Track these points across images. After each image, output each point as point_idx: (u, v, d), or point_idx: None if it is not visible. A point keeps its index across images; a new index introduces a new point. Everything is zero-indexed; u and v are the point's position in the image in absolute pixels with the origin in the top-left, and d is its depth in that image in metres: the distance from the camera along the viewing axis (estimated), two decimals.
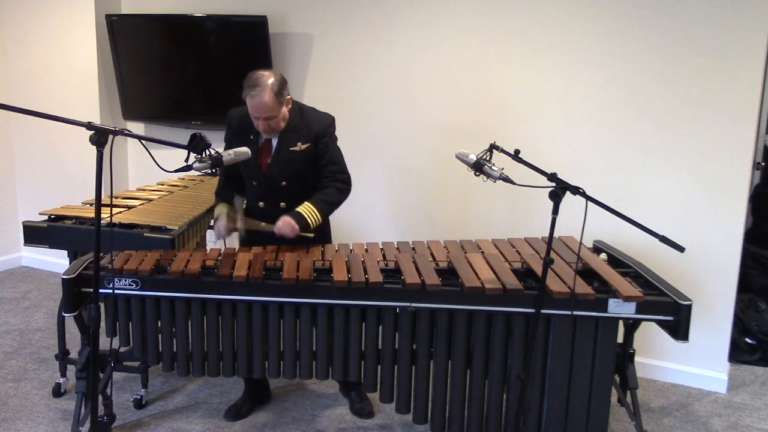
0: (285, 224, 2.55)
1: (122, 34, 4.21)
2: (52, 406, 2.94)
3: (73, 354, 3.03)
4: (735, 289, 3.23)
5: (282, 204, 2.70)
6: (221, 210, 2.73)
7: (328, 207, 2.67)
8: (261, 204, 2.73)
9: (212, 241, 4.27)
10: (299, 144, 2.65)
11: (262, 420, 2.88)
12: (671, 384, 3.37)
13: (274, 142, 2.67)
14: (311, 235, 2.60)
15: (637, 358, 2.69)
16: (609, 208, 2.09)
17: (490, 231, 3.42)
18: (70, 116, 2.02)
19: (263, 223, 2.65)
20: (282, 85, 2.52)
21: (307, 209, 2.61)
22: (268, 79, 2.48)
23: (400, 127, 3.79)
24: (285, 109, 2.59)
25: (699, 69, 3.10)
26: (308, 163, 2.69)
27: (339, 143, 2.77)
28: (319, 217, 2.62)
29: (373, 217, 3.91)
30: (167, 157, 2.17)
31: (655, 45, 3.16)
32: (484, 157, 2.23)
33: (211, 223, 3.42)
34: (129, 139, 4.34)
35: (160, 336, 2.47)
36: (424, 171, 3.78)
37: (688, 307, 2.22)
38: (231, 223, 2.69)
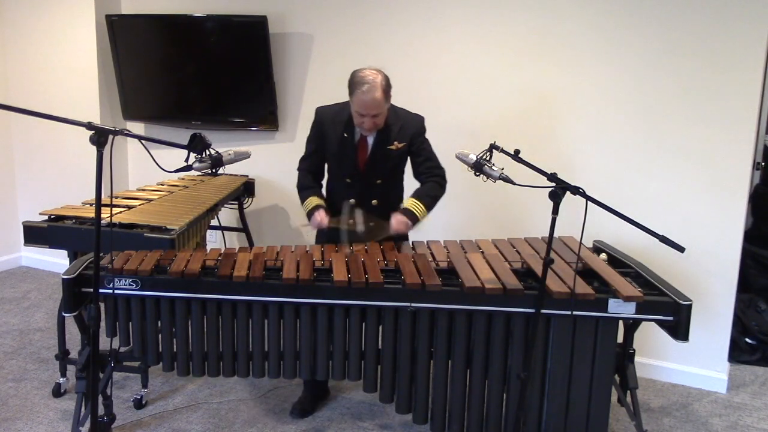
0: (400, 222, 2.62)
1: (122, 34, 4.21)
2: (52, 406, 2.94)
3: (73, 354, 3.03)
4: (735, 289, 3.23)
5: (374, 201, 2.74)
6: (316, 202, 2.74)
7: (431, 201, 2.72)
8: (352, 201, 2.74)
9: (212, 239, 4.28)
10: (396, 143, 2.70)
11: (263, 420, 2.88)
12: (671, 384, 3.37)
13: (369, 140, 2.70)
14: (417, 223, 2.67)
15: (637, 358, 2.69)
16: (609, 208, 2.09)
17: (490, 231, 3.42)
18: (70, 116, 2.02)
19: (377, 222, 2.67)
20: (389, 84, 2.58)
21: (413, 205, 2.66)
22: (377, 76, 2.53)
23: None
24: (386, 107, 2.63)
25: (699, 69, 3.10)
26: (401, 162, 2.77)
27: None
28: (425, 212, 2.68)
29: None
30: (167, 157, 2.17)
31: (655, 45, 3.16)
32: (484, 157, 2.23)
33: (213, 222, 3.43)
34: (129, 139, 4.35)
35: (160, 336, 2.47)
36: None
37: (688, 307, 2.22)
38: (359, 218, 2.68)
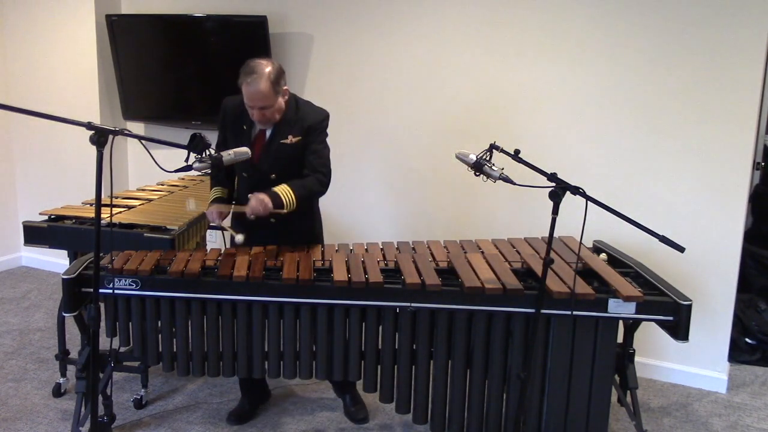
0: (257, 201, 2.42)
1: (122, 34, 4.21)
2: (52, 406, 2.94)
3: (73, 354, 3.03)
4: (735, 289, 3.23)
5: None
6: (215, 194, 2.70)
7: (306, 193, 2.55)
8: (250, 196, 2.60)
9: (212, 239, 4.27)
10: (290, 137, 2.58)
11: (262, 420, 2.88)
12: (671, 384, 3.37)
13: (268, 133, 2.61)
14: (283, 211, 2.49)
15: (637, 358, 2.69)
16: (609, 208, 2.09)
17: (490, 231, 3.42)
18: (71, 116, 2.02)
19: (236, 206, 2.58)
20: (279, 75, 2.48)
21: (283, 190, 2.51)
22: (266, 67, 2.44)
23: (401, 126, 3.79)
24: (281, 100, 2.53)
25: (699, 69, 3.10)
26: (298, 157, 2.62)
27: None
28: (294, 200, 2.50)
29: (373, 217, 3.90)
30: (167, 157, 2.18)
31: (655, 45, 3.16)
32: (484, 157, 2.23)
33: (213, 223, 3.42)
34: (129, 139, 4.34)
35: (160, 336, 2.47)
36: (424, 171, 3.77)
37: (688, 307, 2.22)
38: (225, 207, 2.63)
